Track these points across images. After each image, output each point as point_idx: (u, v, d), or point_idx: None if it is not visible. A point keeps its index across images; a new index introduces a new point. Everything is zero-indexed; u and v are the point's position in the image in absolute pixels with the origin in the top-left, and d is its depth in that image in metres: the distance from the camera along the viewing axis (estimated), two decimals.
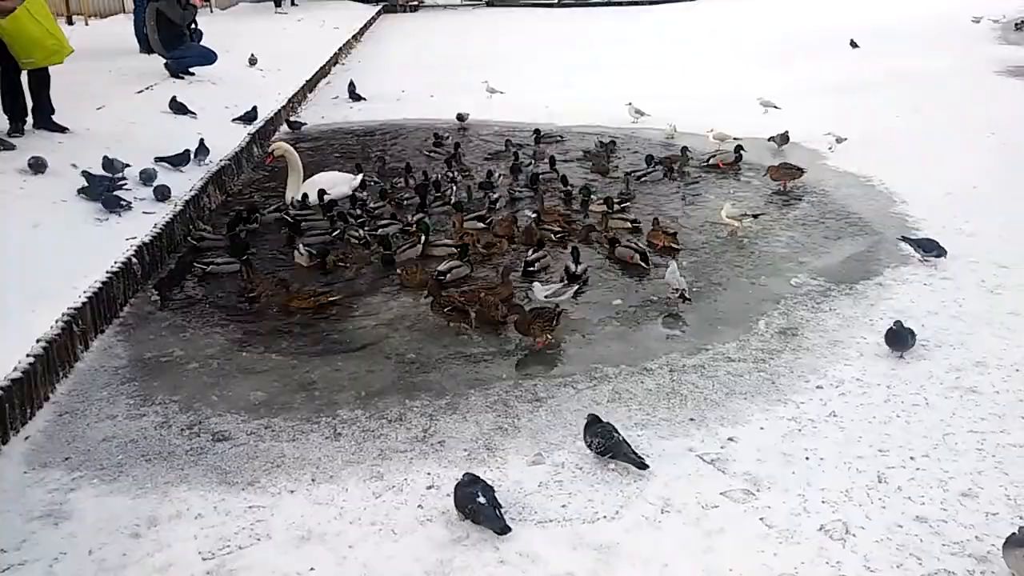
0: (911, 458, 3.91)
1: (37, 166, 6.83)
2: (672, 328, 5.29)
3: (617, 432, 3.90)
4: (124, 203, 6.61)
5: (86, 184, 6.69)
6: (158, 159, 7.80)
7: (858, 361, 4.79)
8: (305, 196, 7.59)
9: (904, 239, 6.24)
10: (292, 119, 11.11)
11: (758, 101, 10.53)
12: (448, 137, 9.75)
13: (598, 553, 3.37)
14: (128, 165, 7.28)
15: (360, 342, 5.22)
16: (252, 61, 13.18)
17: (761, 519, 3.54)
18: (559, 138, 9.91)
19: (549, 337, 5.02)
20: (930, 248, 6.03)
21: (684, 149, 8.70)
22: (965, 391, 4.45)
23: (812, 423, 4.22)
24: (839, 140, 9.01)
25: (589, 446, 3.92)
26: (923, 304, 5.46)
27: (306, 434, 4.23)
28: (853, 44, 15.16)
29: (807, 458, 3.94)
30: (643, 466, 3.81)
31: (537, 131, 9.79)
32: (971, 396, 4.40)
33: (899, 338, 4.75)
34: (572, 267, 5.96)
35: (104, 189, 6.65)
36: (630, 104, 10.64)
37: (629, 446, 3.86)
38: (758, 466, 3.88)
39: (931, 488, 3.70)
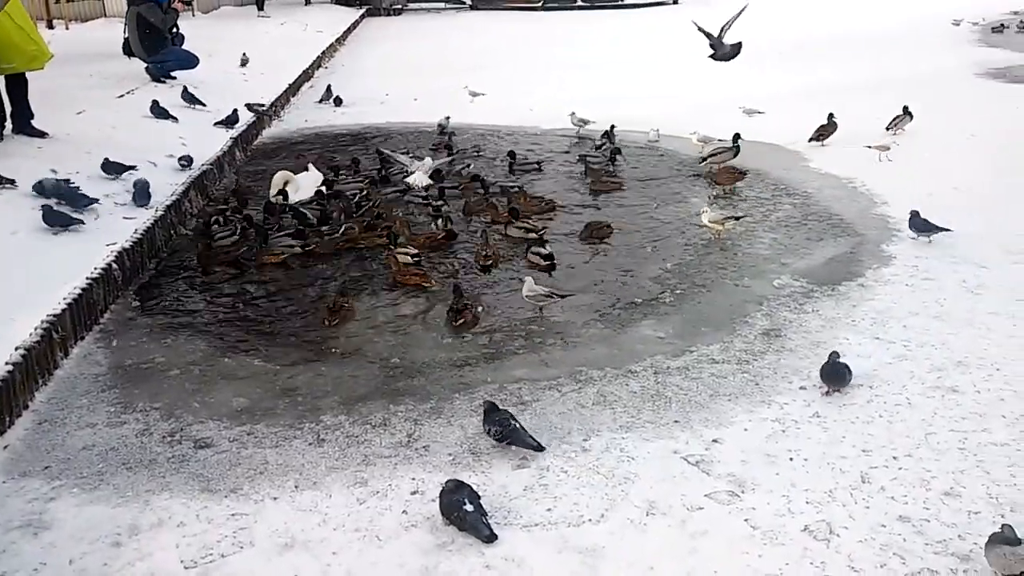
0: (894, 458, 3.93)
1: None
2: (656, 330, 5.29)
3: (515, 419, 4.02)
4: (75, 218, 6.24)
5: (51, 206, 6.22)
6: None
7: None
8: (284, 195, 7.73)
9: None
10: (251, 103, 10.96)
11: (740, 110, 10.53)
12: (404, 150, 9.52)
13: (583, 556, 3.36)
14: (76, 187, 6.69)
15: (343, 347, 5.20)
16: (244, 61, 13.15)
17: (746, 520, 3.54)
18: (477, 151, 9.71)
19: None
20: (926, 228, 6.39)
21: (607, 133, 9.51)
22: (947, 391, 4.47)
23: (796, 424, 4.23)
24: (890, 147, 8.76)
25: (488, 433, 4.03)
26: (905, 304, 5.49)
27: (289, 440, 4.20)
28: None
29: (791, 459, 3.95)
30: (540, 448, 3.96)
31: (447, 131, 10.09)
32: (952, 396, 4.42)
33: (836, 374, 4.45)
34: (542, 250, 6.15)
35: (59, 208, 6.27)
36: (573, 113, 10.40)
37: (526, 432, 3.99)
38: (742, 467, 3.89)
39: (914, 487, 3.71)
